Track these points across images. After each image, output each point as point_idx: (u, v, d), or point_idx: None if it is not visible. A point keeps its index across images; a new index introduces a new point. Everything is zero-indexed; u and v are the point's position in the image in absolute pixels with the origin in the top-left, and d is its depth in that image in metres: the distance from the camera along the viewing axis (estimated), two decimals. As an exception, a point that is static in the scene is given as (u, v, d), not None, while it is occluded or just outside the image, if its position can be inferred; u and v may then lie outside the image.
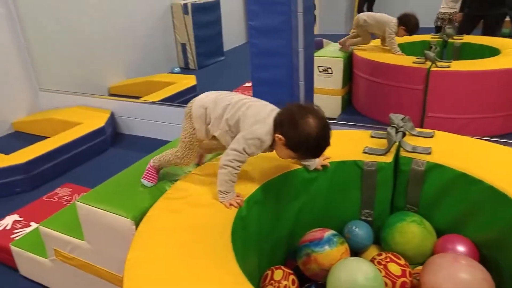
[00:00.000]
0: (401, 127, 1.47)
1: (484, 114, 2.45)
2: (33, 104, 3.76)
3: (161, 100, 3.37)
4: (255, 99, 1.33)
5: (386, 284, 1.22)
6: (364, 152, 1.47)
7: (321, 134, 1.16)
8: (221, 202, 1.25)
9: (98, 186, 1.55)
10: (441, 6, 4.48)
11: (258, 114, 1.23)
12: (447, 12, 3.92)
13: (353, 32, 3.19)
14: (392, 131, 1.44)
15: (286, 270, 1.33)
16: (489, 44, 2.99)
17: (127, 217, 1.28)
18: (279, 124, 1.19)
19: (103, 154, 3.05)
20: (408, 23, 2.89)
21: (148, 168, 1.44)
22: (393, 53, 2.94)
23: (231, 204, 1.24)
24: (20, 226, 2.09)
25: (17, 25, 3.50)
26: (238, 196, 1.27)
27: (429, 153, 1.41)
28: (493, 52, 2.81)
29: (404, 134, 1.46)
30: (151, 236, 1.13)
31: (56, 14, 3.72)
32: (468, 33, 3.37)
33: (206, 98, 1.35)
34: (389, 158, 1.43)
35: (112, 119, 3.34)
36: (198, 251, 1.06)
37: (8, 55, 3.50)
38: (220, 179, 1.25)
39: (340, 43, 3.18)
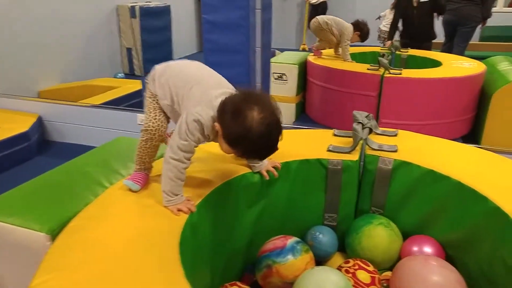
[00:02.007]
0: (366, 123, 1.37)
1: (432, 121, 2.51)
2: None
3: (103, 104, 3.04)
4: (209, 72, 1.14)
5: (355, 294, 1.08)
6: (329, 150, 1.35)
7: (265, 132, 0.94)
8: (165, 206, 1.04)
9: (5, 193, 1.26)
10: (382, 25, 4.79)
11: (204, 94, 1.03)
12: (386, 31, 4.14)
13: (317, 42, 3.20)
14: (358, 127, 1.33)
15: (242, 286, 1.14)
16: (432, 57, 3.18)
17: (41, 231, 1.03)
18: (220, 112, 0.98)
19: (26, 164, 2.63)
20: (362, 30, 2.97)
21: (132, 173, 1.18)
22: (345, 60, 2.95)
23: (179, 210, 1.03)
24: None
25: None
26: (188, 200, 1.06)
27: (395, 151, 1.32)
28: (435, 64, 2.96)
29: (370, 130, 1.36)
30: (71, 253, 0.89)
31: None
32: None
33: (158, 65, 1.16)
34: (355, 156, 1.32)
35: (40, 124, 2.94)
36: (136, 268, 0.84)
37: None
38: (164, 177, 1.04)
39: (313, 51, 3.15)
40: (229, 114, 0.96)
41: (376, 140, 1.40)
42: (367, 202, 1.36)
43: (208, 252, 1.15)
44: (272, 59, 3.02)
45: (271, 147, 1.00)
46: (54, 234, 1.03)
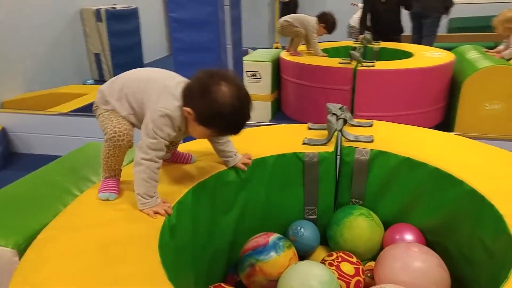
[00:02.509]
0: (341, 114, 1.36)
1: (405, 111, 2.55)
2: None
3: (71, 112, 2.93)
4: (157, 70, 1.11)
5: (340, 286, 1.07)
6: (304, 143, 1.33)
7: (238, 105, 0.95)
8: (141, 210, 1.00)
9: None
10: (352, 20, 4.84)
11: (162, 88, 1.01)
12: (355, 26, 4.20)
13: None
14: (332, 118, 1.32)
15: (226, 287, 1.11)
16: (403, 48, 3.23)
17: (6, 246, 0.97)
18: (187, 96, 0.97)
19: None
20: (327, 21, 2.96)
21: (102, 182, 1.11)
22: (317, 54, 2.96)
23: (156, 213, 0.99)
24: None
25: None
26: (164, 202, 1.02)
27: (371, 141, 1.32)
28: (407, 55, 3.02)
29: (345, 122, 1.36)
30: (42, 267, 0.83)
31: None
32: None
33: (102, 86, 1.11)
34: (330, 148, 1.31)
35: (4, 136, 2.81)
36: (116, 276, 0.80)
37: None
38: (137, 179, 1.00)
39: (289, 54, 3.11)
40: (198, 94, 0.95)
41: (352, 131, 1.40)
42: (346, 194, 1.36)
43: (189, 254, 1.11)
44: (245, 57, 3.01)
45: (245, 120, 1.00)
46: (21, 249, 0.96)
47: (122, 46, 4.76)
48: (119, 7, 4.77)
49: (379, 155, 1.28)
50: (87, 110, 3.05)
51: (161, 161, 1.01)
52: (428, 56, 2.88)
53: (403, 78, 2.51)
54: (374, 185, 1.31)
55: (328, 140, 1.32)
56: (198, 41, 1.95)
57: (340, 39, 5.15)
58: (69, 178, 1.28)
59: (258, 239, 1.18)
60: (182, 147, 1.32)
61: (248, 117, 1.00)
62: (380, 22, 3.60)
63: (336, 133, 1.35)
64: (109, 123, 1.04)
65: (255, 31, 6.16)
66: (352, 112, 2.56)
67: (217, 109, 0.94)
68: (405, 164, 1.24)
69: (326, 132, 1.37)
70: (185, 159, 1.26)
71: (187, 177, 1.18)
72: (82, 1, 4.52)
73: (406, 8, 3.63)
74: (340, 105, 1.44)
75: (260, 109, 3.00)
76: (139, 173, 0.99)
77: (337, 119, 1.33)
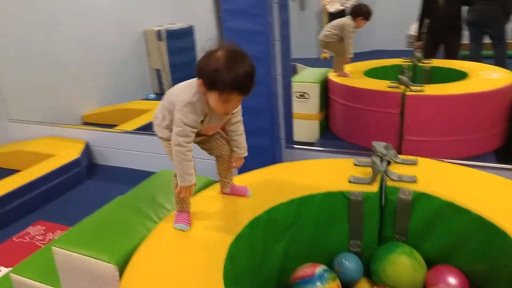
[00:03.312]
0: (385, 155, 1.48)
1: (459, 137, 2.49)
2: (1, 136, 3.57)
3: (138, 129, 3.28)
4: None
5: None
6: (350, 182, 1.47)
7: (231, 60, 1.08)
8: (181, 186, 1.22)
9: (75, 226, 1.47)
10: (411, 30, 4.64)
11: (182, 85, 1.21)
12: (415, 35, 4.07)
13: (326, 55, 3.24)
14: (377, 160, 1.44)
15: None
16: (457, 67, 3.10)
17: (109, 262, 1.21)
18: (197, 70, 1.14)
19: (78, 188, 2.89)
20: (362, 12, 2.98)
21: (176, 214, 1.34)
22: (346, 55, 3.02)
23: (185, 194, 1.23)
24: (-12, 271, 1.95)
25: None
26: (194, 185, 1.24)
27: (415, 182, 1.42)
28: (461, 75, 2.91)
29: (389, 163, 1.47)
30: (139, 286, 1.06)
31: (28, 43, 3.61)
32: (432, 57, 3.52)
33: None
34: (375, 188, 1.43)
35: (87, 149, 3.21)
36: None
37: None
38: (174, 162, 1.22)
39: (337, 75, 3.15)
40: (202, 63, 1.12)
41: (397, 169, 1.51)
42: (390, 230, 1.46)
43: (246, 279, 1.29)
44: (294, 78, 3.12)
45: (243, 74, 1.09)
46: (120, 266, 1.20)
47: (180, 62, 5.11)
48: (176, 26, 5.11)
49: (422, 197, 1.36)
50: (150, 126, 3.40)
51: (189, 145, 1.19)
52: (485, 78, 2.77)
53: (455, 104, 2.45)
54: (418, 224, 1.39)
55: (373, 180, 1.44)
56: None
57: (398, 48, 5.15)
58: (148, 204, 1.51)
59: (305, 269, 1.34)
60: (239, 181, 1.52)
61: (246, 73, 1.09)
62: (438, 21, 3.44)
63: (380, 173, 1.47)
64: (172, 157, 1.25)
65: (303, 42, 6.26)
66: (401, 135, 2.62)
67: (214, 67, 1.08)
68: (448, 208, 1.31)
69: (371, 169, 1.49)
70: (241, 192, 1.45)
71: (244, 211, 1.36)
72: (146, 23, 4.93)
73: (468, 4, 3.43)
74: (385, 144, 1.55)
75: (308, 127, 3.12)
76: (174, 157, 1.20)
77: (382, 161, 1.45)
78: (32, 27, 3.62)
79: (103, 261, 1.21)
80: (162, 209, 1.50)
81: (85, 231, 1.39)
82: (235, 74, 1.08)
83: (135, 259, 1.17)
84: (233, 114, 1.30)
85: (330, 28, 3.11)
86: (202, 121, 1.21)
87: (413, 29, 4.38)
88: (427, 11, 3.53)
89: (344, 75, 3.10)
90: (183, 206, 1.31)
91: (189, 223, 1.29)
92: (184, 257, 1.17)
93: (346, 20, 3.05)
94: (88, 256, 1.24)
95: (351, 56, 3.08)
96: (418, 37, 3.64)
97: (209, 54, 1.11)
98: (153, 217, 1.45)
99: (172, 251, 1.20)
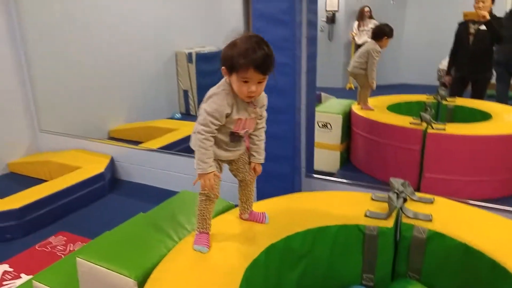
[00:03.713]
0: (402, 192, 1.51)
1: (480, 177, 2.48)
2: (31, 145, 3.73)
3: (161, 147, 3.37)
4: None
5: None
6: (366, 216, 1.50)
7: (248, 40, 1.19)
8: (198, 174, 1.26)
9: (99, 238, 1.55)
10: (442, 64, 4.55)
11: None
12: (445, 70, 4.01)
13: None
14: (393, 196, 1.47)
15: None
16: (481, 108, 3.12)
17: (130, 277, 1.27)
18: (220, 61, 1.24)
19: (100, 201, 2.97)
20: (384, 32, 3.05)
21: (196, 235, 1.38)
22: (370, 80, 3.07)
23: (205, 184, 1.26)
24: (10, 277, 2.03)
25: (24, 66, 3.58)
26: (215, 175, 1.27)
27: (430, 220, 1.44)
28: (484, 116, 2.92)
29: (405, 200, 1.49)
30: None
31: (64, 57, 3.79)
32: (459, 95, 3.53)
33: None
34: (390, 223, 1.45)
35: (112, 164, 3.32)
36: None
37: (12, 94, 3.52)
38: (194, 148, 1.27)
39: (360, 107, 3.21)
40: (224, 50, 1.22)
41: (413, 206, 1.53)
42: (403, 266, 1.47)
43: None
44: (318, 108, 3.19)
45: (258, 50, 1.18)
46: (139, 281, 1.26)
47: (207, 84, 5.15)
48: (207, 49, 5.29)
49: (436, 236, 1.38)
50: (176, 145, 3.51)
51: (207, 134, 1.23)
52: (508, 120, 2.77)
53: (476, 144, 2.45)
54: (431, 263, 1.41)
55: (388, 215, 1.47)
56: (275, 105, 2.07)
57: (423, 82, 5.17)
58: (169, 224, 1.58)
59: (318, 300, 1.36)
60: (258, 207, 1.57)
61: (261, 51, 1.18)
62: (467, 57, 3.44)
63: (396, 210, 1.49)
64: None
65: (330, 72, 6.37)
66: (421, 172, 2.62)
67: (233, 50, 1.18)
68: (462, 249, 1.32)
69: (387, 205, 1.52)
70: (259, 219, 1.50)
71: (261, 237, 1.41)
72: (178, 45, 5.15)
73: (497, 41, 3.37)
74: (402, 181, 1.58)
75: (329, 157, 3.16)
76: (195, 145, 1.26)
77: (398, 197, 1.48)
78: (67, 41, 3.80)
79: (124, 275, 1.28)
80: (182, 229, 1.56)
81: (108, 245, 1.46)
82: (250, 52, 1.17)
83: (154, 276, 1.23)
84: (259, 120, 1.38)
85: (357, 57, 3.17)
86: (229, 116, 1.26)
87: (444, 63, 4.35)
88: (458, 47, 3.55)
89: (368, 109, 3.15)
90: (203, 226, 1.37)
91: (208, 245, 1.34)
92: (201, 277, 1.21)
93: (370, 44, 3.10)
94: (110, 269, 1.31)
95: (374, 81, 3.10)
96: (448, 72, 3.66)
97: (229, 43, 1.22)
98: (173, 236, 1.51)
99: (189, 271, 1.25)
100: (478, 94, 3.52)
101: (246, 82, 1.20)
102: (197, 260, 1.30)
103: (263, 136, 1.43)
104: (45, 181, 3.07)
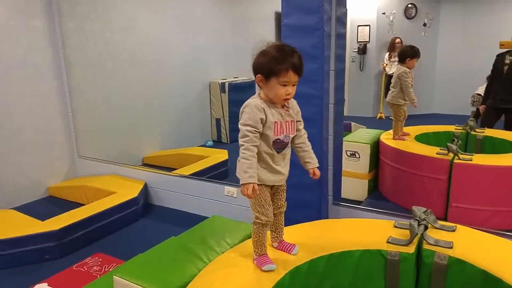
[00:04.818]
0: (423, 219, 1.55)
1: (506, 208, 2.47)
2: (70, 170, 3.97)
3: (193, 174, 3.50)
4: None
5: None
6: (388, 242, 1.55)
7: (280, 47, 1.30)
8: (241, 184, 1.32)
9: (133, 259, 1.66)
10: (478, 90, 4.54)
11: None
12: (480, 95, 4.02)
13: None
14: (414, 223, 1.52)
15: None
16: (510, 139, 3.11)
17: None
18: (253, 71, 1.35)
19: (133, 225, 3.07)
20: (407, 54, 3.16)
21: (256, 261, 1.45)
22: (411, 103, 3.14)
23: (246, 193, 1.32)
24: (48, 296, 2.15)
25: (66, 95, 3.87)
26: (254, 186, 1.31)
27: (451, 247, 1.47)
28: None
29: (426, 227, 1.54)
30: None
31: (103, 88, 4.05)
32: (491, 125, 3.51)
33: None
34: (411, 249, 1.50)
35: (145, 189, 3.47)
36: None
37: (53, 122, 3.80)
38: (238, 174, 1.34)
39: (393, 138, 3.27)
40: (256, 60, 1.33)
41: (435, 234, 1.57)
42: (425, 292, 1.51)
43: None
44: (347, 138, 3.27)
45: (289, 54, 1.29)
46: (172, 299, 1.36)
47: (239, 113, 5.44)
48: (239, 80, 5.52)
49: (457, 262, 1.42)
50: (207, 171, 3.65)
51: (246, 144, 1.30)
52: None
53: (503, 175, 2.45)
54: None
55: (410, 242, 1.52)
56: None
57: (455, 113, 5.12)
58: (199, 246, 1.69)
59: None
60: (286, 231, 1.62)
61: (296, 54, 1.30)
62: (502, 87, 3.44)
63: (418, 236, 1.54)
64: (258, 209, 1.39)
65: (361, 101, 6.45)
66: (447, 201, 2.62)
67: (267, 57, 1.29)
68: (481, 276, 1.36)
69: (409, 231, 1.56)
70: (288, 249, 1.53)
71: (287, 259, 1.49)
72: (212, 75, 5.40)
73: None
74: (425, 209, 1.63)
75: (357, 186, 3.19)
76: (238, 168, 1.33)
77: (419, 224, 1.53)
78: (107, 73, 4.07)
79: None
80: (212, 251, 1.67)
81: (143, 265, 1.59)
82: (287, 56, 1.29)
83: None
84: (299, 127, 1.47)
85: (392, 87, 3.27)
86: (264, 121, 1.33)
87: (481, 89, 4.28)
88: (494, 77, 3.57)
89: (401, 139, 3.21)
90: (262, 250, 1.45)
91: (273, 263, 1.42)
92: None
93: (398, 70, 3.21)
94: (145, 287, 1.42)
95: (414, 99, 3.16)
96: (484, 101, 3.65)
97: (260, 52, 1.33)
98: (203, 257, 1.62)
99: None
100: (511, 124, 3.49)
101: (284, 85, 1.31)
102: (225, 279, 1.39)
103: (308, 142, 1.50)
104: (82, 204, 3.22)
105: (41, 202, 3.64)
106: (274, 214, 1.49)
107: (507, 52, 3.39)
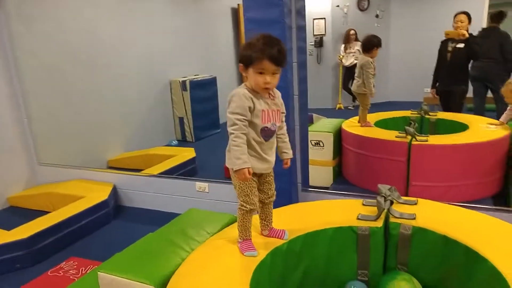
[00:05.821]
0: (389, 196, 1.69)
1: (459, 182, 2.70)
2: (30, 179, 3.80)
3: (162, 173, 3.49)
4: None
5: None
6: (358, 219, 1.67)
7: (260, 36, 1.34)
8: (234, 170, 1.37)
9: (115, 256, 1.68)
10: None
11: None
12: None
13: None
14: (381, 200, 1.65)
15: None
16: (459, 120, 3.39)
17: (150, 284, 1.41)
18: (238, 62, 1.40)
19: (106, 227, 3.05)
20: (374, 43, 3.24)
21: (240, 245, 1.51)
22: (370, 94, 3.27)
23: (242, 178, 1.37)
24: (24, 303, 2.10)
25: (20, 101, 3.68)
26: (248, 169, 1.35)
27: (414, 219, 1.62)
28: (463, 127, 3.18)
29: (392, 202, 1.67)
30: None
31: (60, 91, 3.90)
32: (444, 106, 3.79)
33: None
34: (379, 223, 1.63)
35: (114, 192, 3.42)
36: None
37: (8, 129, 3.61)
38: (229, 165, 1.41)
39: (360, 125, 3.39)
40: (240, 50, 1.36)
41: (399, 208, 1.71)
42: (393, 261, 1.65)
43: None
44: (310, 127, 3.40)
45: (273, 45, 1.32)
46: (159, 287, 1.40)
47: (202, 110, 5.43)
48: (200, 77, 5.50)
49: (420, 231, 1.57)
50: (176, 170, 3.65)
51: (236, 132, 1.35)
52: (483, 130, 3.02)
53: (455, 152, 2.67)
54: (416, 255, 1.59)
55: (378, 217, 1.65)
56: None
57: (409, 99, 5.39)
58: (180, 237, 1.73)
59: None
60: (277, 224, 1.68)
61: (274, 44, 1.33)
62: (445, 71, 3.71)
63: (384, 211, 1.67)
64: (244, 196, 1.45)
65: (320, 93, 6.66)
66: (408, 181, 2.81)
67: (246, 44, 1.34)
68: (442, 241, 1.52)
69: (376, 208, 1.70)
70: (280, 235, 1.59)
71: (267, 242, 1.57)
72: (172, 74, 5.35)
73: (473, 58, 3.66)
74: (389, 186, 1.77)
75: (323, 173, 3.34)
76: (228, 159, 1.41)
77: (385, 200, 1.66)
78: (63, 75, 3.90)
79: (145, 283, 1.42)
80: (194, 241, 1.72)
81: (126, 259, 1.61)
82: (264, 45, 1.32)
83: (173, 280, 1.37)
84: (283, 118, 1.53)
85: (355, 76, 3.36)
86: (252, 109, 1.36)
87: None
88: (440, 63, 3.85)
89: (367, 125, 3.36)
90: (246, 234, 1.51)
91: (255, 249, 1.48)
92: (215, 279, 1.36)
93: (361, 60, 3.29)
94: (131, 279, 1.45)
95: (373, 90, 3.26)
96: (432, 86, 3.94)
97: (246, 43, 1.38)
98: (185, 247, 1.66)
99: (203, 275, 1.39)
100: (454, 106, 3.77)
101: (261, 73, 1.34)
102: (210, 265, 1.45)
103: (286, 134, 1.57)
104: (48, 212, 3.09)
105: (1, 213, 3.48)
106: (264, 203, 1.57)
107: (449, 39, 3.67)
